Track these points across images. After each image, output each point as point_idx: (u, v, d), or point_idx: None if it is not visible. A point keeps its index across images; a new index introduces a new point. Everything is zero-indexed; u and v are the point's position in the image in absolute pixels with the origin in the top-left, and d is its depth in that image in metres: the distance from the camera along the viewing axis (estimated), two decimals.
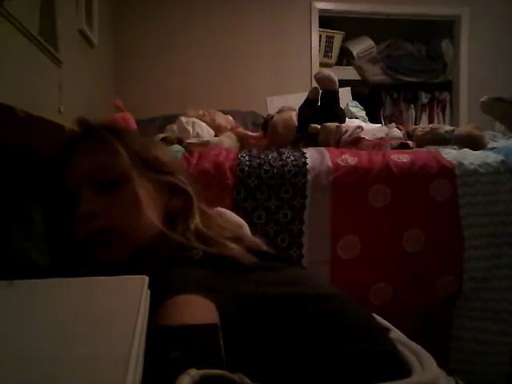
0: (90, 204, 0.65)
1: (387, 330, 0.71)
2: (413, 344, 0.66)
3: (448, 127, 1.89)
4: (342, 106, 2.17)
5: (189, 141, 2.10)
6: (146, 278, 0.49)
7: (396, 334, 0.71)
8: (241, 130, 2.41)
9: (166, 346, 0.45)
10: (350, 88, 3.29)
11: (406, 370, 0.58)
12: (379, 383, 0.51)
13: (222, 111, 2.68)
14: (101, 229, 0.65)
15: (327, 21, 3.90)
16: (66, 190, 0.68)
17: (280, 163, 1.45)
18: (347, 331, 0.60)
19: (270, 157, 1.50)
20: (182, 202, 0.73)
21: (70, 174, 0.68)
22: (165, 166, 0.74)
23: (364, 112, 2.71)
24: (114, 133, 0.70)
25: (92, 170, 0.67)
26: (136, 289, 0.46)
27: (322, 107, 2.00)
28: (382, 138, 1.81)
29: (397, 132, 1.90)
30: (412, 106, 4.35)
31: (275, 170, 1.43)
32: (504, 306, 1.42)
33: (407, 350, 0.66)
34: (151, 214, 0.68)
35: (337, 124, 1.81)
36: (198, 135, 2.33)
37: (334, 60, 4.00)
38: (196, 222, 0.71)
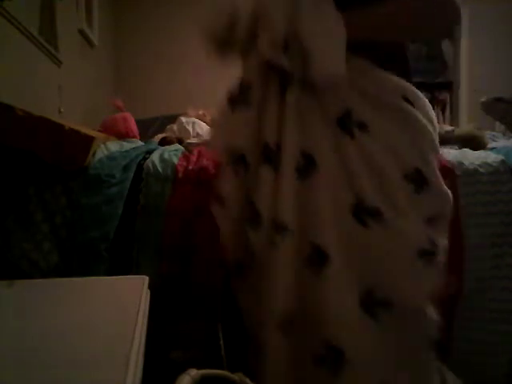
0: None
1: None
2: None
3: (448, 127, 1.89)
4: None
5: (189, 141, 2.10)
6: (146, 278, 0.49)
7: None
8: None
9: (167, 346, 0.45)
10: None
11: None
12: None
13: None
14: None
15: None
16: None
17: None
18: None
19: None
20: None
21: None
22: None
23: None
24: None
25: None
26: (136, 289, 0.46)
27: None
28: None
29: None
30: None
31: None
32: (505, 306, 1.42)
33: None
34: None
35: None
36: (198, 135, 2.33)
37: None
38: None
